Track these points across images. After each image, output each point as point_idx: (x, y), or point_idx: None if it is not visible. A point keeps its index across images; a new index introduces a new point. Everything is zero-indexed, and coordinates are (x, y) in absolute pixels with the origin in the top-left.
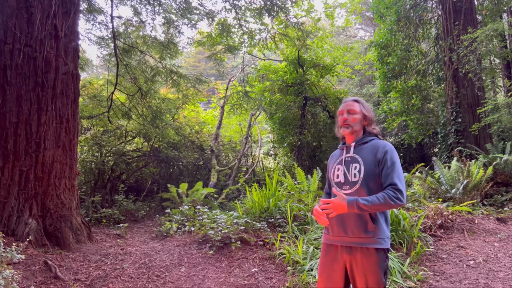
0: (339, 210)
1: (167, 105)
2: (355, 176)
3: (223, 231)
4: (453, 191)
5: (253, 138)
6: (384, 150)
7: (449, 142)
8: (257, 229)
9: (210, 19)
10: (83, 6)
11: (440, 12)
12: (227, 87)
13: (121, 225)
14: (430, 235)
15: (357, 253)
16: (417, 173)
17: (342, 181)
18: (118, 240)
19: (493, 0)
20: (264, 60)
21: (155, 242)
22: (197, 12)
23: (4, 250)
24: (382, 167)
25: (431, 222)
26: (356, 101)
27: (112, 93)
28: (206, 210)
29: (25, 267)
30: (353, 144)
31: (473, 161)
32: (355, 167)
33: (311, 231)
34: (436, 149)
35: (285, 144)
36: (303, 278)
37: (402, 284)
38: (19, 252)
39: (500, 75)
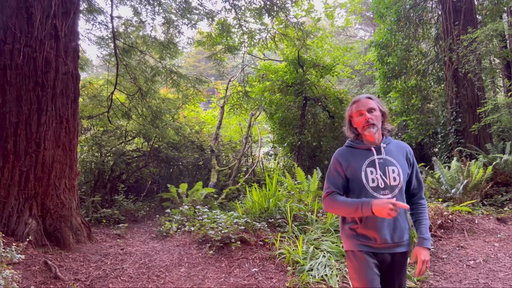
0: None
1: (167, 105)
2: (394, 180)
3: (223, 231)
4: (453, 191)
5: (253, 138)
6: (411, 153)
7: (449, 142)
8: (257, 229)
9: (210, 19)
10: (83, 6)
11: (440, 12)
12: (227, 87)
13: (121, 225)
14: (430, 235)
15: (395, 258)
16: None
17: (381, 185)
18: (118, 240)
19: (493, 0)
20: (264, 60)
21: (155, 242)
22: (197, 12)
23: (4, 250)
24: (411, 170)
25: (431, 222)
26: (369, 98)
27: (112, 93)
28: (206, 210)
29: (25, 267)
30: (383, 144)
31: (473, 161)
32: (393, 170)
33: (311, 231)
34: (436, 149)
35: (285, 144)
36: (303, 278)
37: None
38: (19, 252)
39: (500, 75)
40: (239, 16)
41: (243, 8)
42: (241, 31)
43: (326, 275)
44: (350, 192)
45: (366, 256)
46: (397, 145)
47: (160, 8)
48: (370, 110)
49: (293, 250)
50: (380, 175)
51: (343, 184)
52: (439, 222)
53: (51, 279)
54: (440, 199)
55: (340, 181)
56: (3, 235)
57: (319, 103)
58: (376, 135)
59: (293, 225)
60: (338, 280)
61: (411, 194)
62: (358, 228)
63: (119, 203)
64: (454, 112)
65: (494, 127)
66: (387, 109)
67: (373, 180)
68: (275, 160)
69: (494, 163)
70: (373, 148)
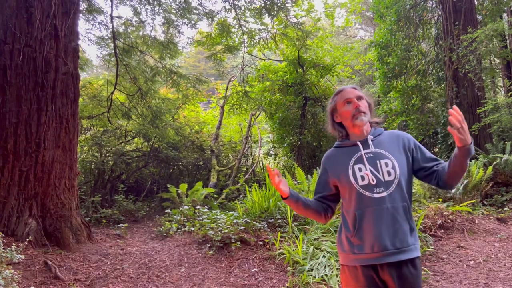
0: (467, 133)
1: (167, 105)
2: (389, 175)
3: (223, 231)
4: (453, 191)
5: (253, 138)
6: (408, 138)
7: (449, 142)
8: (257, 229)
9: (210, 19)
10: (83, 6)
11: (440, 12)
12: (227, 87)
13: (121, 225)
14: (430, 235)
15: (401, 268)
16: None
17: (373, 182)
18: (118, 240)
19: (493, 0)
20: (264, 60)
21: (155, 242)
22: (197, 12)
23: (4, 250)
24: (418, 153)
25: (431, 222)
26: (354, 88)
27: (112, 93)
28: (206, 210)
29: (25, 267)
30: (370, 137)
31: (473, 161)
32: (386, 164)
33: (311, 231)
34: (436, 149)
35: (285, 144)
36: (303, 278)
37: None
38: (19, 252)
39: (500, 75)
40: (239, 16)
41: (243, 8)
42: (241, 31)
43: (326, 275)
44: (341, 194)
45: (363, 271)
46: (390, 135)
47: (160, 8)
48: (359, 98)
49: (293, 250)
50: (371, 171)
51: (326, 190)
52: (439, 222)
53: (51, 279)
54: (440, 199)
55: (322, 188)
56: (3, 235)
57: (319, 103)
58: (365, 127)
59: (293, 225)
60: (338, 280)
61: (433, 171)
62: (352, 236)
63: (119, 203)
64: None
65: (494, 127)
66: (372, 100)
67: (362, 178)
68: (275, 160)
69: (494, 163)
70: (358, 143)
